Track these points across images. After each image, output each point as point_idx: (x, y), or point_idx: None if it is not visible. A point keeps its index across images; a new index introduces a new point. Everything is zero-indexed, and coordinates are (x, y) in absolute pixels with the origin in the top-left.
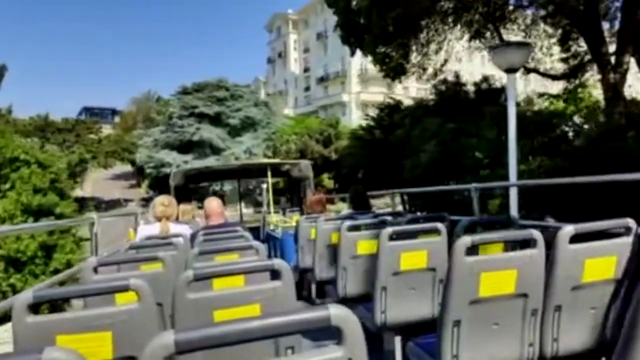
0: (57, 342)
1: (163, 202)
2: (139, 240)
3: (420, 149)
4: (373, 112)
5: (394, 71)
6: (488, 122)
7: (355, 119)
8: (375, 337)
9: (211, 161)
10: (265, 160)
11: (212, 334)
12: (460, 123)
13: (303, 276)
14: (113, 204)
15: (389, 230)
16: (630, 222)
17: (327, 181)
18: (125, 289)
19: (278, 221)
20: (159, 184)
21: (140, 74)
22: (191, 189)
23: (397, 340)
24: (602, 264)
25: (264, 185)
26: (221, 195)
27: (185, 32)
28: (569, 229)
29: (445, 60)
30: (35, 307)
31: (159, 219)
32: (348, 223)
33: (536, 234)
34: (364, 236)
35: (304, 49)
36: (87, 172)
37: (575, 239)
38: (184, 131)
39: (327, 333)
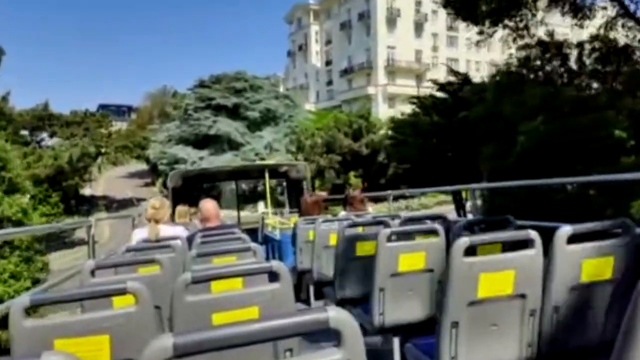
0: (55, 346)
1: (154, 204)
2: (135, 243)
3: (509, 132)
4: (402, 106)
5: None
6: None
7: (382, 113)
8: (374, 339)
9: (229, 157)
10: (263, 162)
11: (211, 337)
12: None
13: (301, 278)
14: (125, 203)
15: (388, 231)
16: (628, 222)
17: (354, 180)
18: (122, 292)
19: (276, 223)
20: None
21: (157, 71)
22: (202, 188)
23: (396, 341)
24: (599, 264)
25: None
26: (216, 197)
27: (202, 26)
28: (566, 229)
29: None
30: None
31: (155, 221)
32: (346, 224)
33: (534, 234)
34: (362, 237)
35: (326, 41)
36: (91, 167)
37: (573, 239)
38: (199, 124)
39: (325, 334)
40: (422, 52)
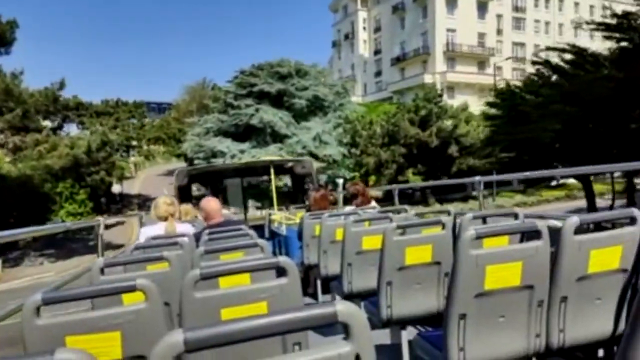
0: (67, 343)
1: (166, 201)
2: (143, 241)
3: None
4: (463, 95)
5: None
6: None
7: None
8: (382, 332)
9: (272, 150)
10: (269, 158)
11: (221, 332)
12: None
13: (308, 273)
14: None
15: (394, 225)
16: (636, 212)
17: (413, 177)
18: (132, 289)
19: (282, 218)
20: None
21: (198, 67)
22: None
23: (404, 334)
24: (607, 254)
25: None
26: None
27: (241, 19)
28: (574, 220)
29: None
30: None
31: (163, 219)
32: (352, 218)
33: (541, 225)
34: (368, 231)
35: (375, 28)
36: (113, 157)
37: (581, 229)
38: (239, 114)
39: (333, 327)
40: (485, 35)
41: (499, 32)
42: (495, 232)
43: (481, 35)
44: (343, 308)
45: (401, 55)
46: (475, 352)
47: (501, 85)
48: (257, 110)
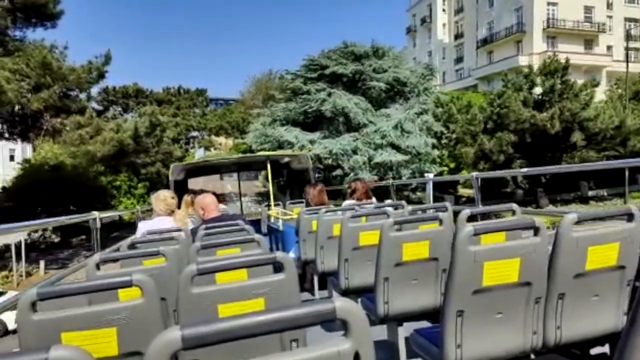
0: (62, 339)
1: (170, 195)
2: (140, 236)
3: None
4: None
5: None
6: None
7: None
8: (379, 328)
9: (347, 140)
10: (265, 153)
11: (219, 329)
12: None
13: (305, 268)
14: (222, 198)
15: (391, 220)
16: (633, 208)
17: (462, 190)
18: (128, 284)
19: (279, 213)
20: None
21: (263, 59)
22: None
23: (401, 331)
24: (605, 250)
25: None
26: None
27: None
28: (572, 216)
29: None
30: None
31: (170, 212)
32: (350, 214)
33: (539, 221)
34: (366, 227)
35: (456, 9)
36: (162, 143)
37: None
38: (309, 99)
39: (331, 323)
40: (593, 9)
41: (609, 5)
42: (494, 228)
43: (588, 9)
44: (342, 305)
45: (489, 36)
46: (473, 349)
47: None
48: (329, 94)
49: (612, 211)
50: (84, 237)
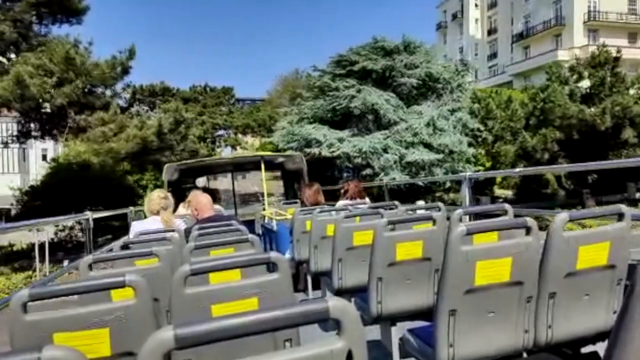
0: (55, 340)
1: (160, 195)
2: (133, 237)
3: None
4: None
5: None
6: None
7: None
8: (372, 328)
9: (378, 138)
10: (259, 153)
11: (212, 328)
12: None
13: (299, 268)
14: (248, 198)
15: (384, 220)
16: (623, 208)
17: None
18: (121, 285)
19: (273, 214)
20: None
21: (289, 58)
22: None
23: (394, 330)
24: (595, 250)
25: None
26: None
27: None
28: (563, 216)
29: None
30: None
31: (156, 213)
32: (343, 214)
33: (531, 221)
34: (359, 227)
35: (489, 3)
36: (187, 140)
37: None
38: (337, 96)
39: (324, 322)
40: (637, 0)
41: None
42: (486, 228)
43: (632, 1)
44: (335, 304)
45: (525, 31)
46: (465, 348)
47: None
48: (358, 91)
49: (603, 211)
50: (109, 236)
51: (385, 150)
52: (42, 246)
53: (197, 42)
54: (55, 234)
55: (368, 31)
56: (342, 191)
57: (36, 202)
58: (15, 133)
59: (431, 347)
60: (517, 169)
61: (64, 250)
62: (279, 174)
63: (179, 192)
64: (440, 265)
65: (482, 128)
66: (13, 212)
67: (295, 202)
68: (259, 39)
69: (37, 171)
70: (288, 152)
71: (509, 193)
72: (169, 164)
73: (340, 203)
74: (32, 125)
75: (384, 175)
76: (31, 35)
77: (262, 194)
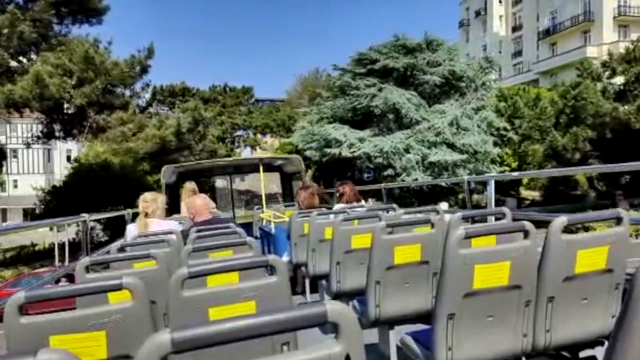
0: (51, 343)
1: (145, 198)
2: (130, 239)
3: None
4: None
5: None
6: None
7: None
8: (370, 331)
9: (399, 138)
10: (257, 156)
11: (209, 332)
12: None
13: (297, 271)
14: (269, 199)
15: (383, 223)
16: (622, 212)
17: (525, 192)
18: (118, 287)
19: (270, 217)
20: (325, 173)
21: (309, 58)
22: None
23: (392, 334)
24: (594, 254)
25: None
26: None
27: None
28: (562, 220)
29: None
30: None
31: (145, 214)
32: (342, 217)
33: (529, 225)
34: (357, 230)
35: (514, 0)
36: (205, 140)
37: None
38: (358, 95)
39: (322, 326)
40: None
41: None
42: (484, 231)
43: None
44: (333, 308)
45: (552, 27)
46: (464, 352)
47: None
48: (380, 90)
49: (601, 215)
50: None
51: (407, 150)
52: (63, 246)
53: (217, 42)
54: (76, 234)
55: (388, 30)
56: (338, 195)
57: (57, 202)
58: (37, 134)
59: (429, 351)
60: (516, 173)
61: (85, 251)
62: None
63: (177, 194)
64: (439, 268)
65: (508, 127)
66: (37, 211)
67: (294, 205)
68: (279, 38)
69: (62, 172)
70: (286, 154)
71: (535, 195)
72: (167, 166)
73: (337, 207)
74: (54, 126)
75: (406, 176)
76: (51, 35)
77: (272, 195)
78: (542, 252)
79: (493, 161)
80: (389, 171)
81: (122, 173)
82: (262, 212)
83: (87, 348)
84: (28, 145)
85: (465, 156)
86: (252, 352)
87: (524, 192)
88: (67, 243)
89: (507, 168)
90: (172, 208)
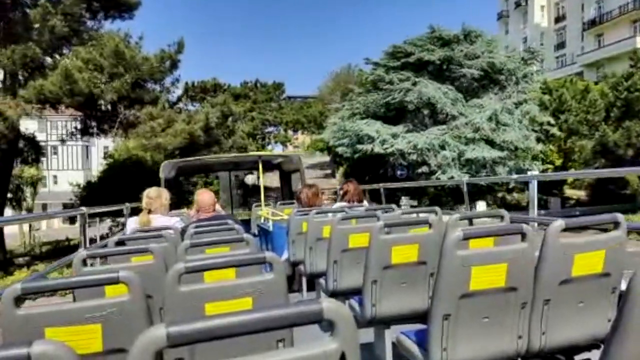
0: (46, 335)
1: (149, 194)
2: (129, 233)
3: None
4: None
5: None
6: None
7: None
8: (366, 330)
9: (434, 134)
10: (257, 153)
11: (204, 327)
12: None
13: (294, 269)
14: (267, 196)
15: (381, 223)
16: (619, 216)
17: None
18: (115, 281)
19: (269, 214)
20: (356, 171)
21: (341, 54)
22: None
23: (387, 333)
24: (591, 258)
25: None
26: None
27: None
28: (559, 223)
29: None
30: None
31: (148, 211)
32: (340, 216)
33: (527, 227)
34: (355, 229)
35: None
36: (234, 135)
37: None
38: (391, 89)
39: (318, 323)
40: None
41: None
42: (482, 233)
43: None
44: (329, 305)
45: (598, 17)
46: (459, 353)
47: None
48: (414, 84)
49: (599, 219)
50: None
51: (442, 147)
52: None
53: (249, 38)
54: (110, 229)
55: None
56: (342, 192)
57: (92, 197)
58: (71, 130)
59: (425, 351)
60: (516, 175)
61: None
62: (330, 172)
63: (177, 189)
64: (436, 269)
65: (552, 122)
66: (74, 207)
67: (292, 203)
68: (311, 34)
69: (98, 168)
70: (286, 153)
71: (581, 194)
72: (167, 161)
73: (338, 205)
74: (89, 122)
75: (441, 174)
76: (82, 30)
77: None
78: (539, 254)
79: (535, 158)
80: (424, 168)
81: (154, 169)
82: (261, 209)
83: (82, 341)
84: (63, 142)
85: (505, 153)
86: (247, 348)
87: (569, 192)
88: (98, 238)
89: (550, 166)
90: (171, 203)
